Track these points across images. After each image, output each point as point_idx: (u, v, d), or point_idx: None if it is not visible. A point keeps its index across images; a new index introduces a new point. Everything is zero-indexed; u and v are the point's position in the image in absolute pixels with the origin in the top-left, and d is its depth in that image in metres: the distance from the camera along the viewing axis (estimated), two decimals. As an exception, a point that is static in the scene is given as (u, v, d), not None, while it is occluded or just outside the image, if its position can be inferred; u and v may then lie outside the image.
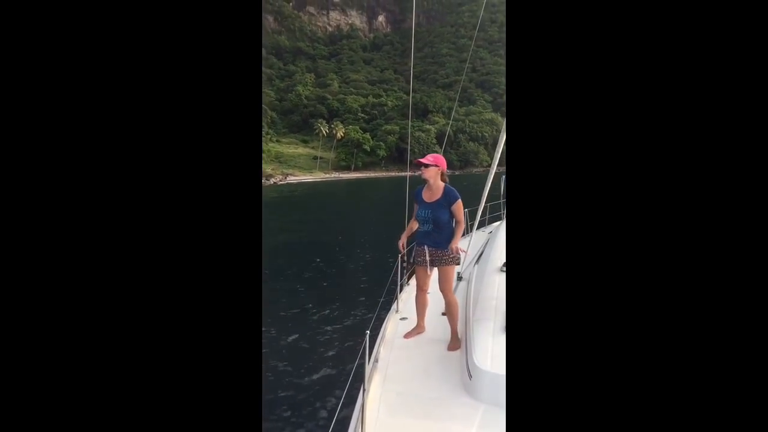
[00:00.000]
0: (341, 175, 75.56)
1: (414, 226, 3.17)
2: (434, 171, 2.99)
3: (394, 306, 3.59)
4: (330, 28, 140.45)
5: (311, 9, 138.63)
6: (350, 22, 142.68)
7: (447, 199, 2.94)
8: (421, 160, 3.00)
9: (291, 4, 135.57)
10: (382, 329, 3.17)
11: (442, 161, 3.04)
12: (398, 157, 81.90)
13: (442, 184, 3.02)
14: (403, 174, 74.98)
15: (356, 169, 79.51)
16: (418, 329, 3.13)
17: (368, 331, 2.17)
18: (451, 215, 2.96)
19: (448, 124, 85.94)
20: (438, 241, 2.97)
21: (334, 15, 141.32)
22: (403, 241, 3.17)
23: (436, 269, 3.02)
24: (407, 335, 3.08)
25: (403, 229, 3.28)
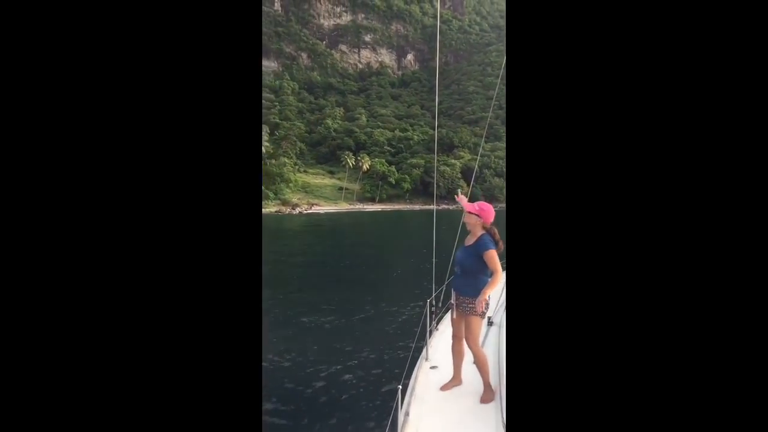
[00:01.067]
0: (365, 207, 76.28)
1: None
2: (474, 220, 3.00)
3: (423, 353, 3.48)
4: (360, 66, 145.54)
5: (343, 47, 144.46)
6: (380, 59, 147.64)
7: (478, 247, 2.93)
8: (467, 205, 3.01)
9: (324, 42, 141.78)
10: (412, 379, 3.08)
11: (486, 213, 3.01)
12: (423, 190, 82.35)
13: (480, 231, 3.01)
14: (427, 207, 75.14)
15: (380, 201, 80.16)
16: (455, 381, 3.02)
17: (399, 386, 2.09)
18: (483, 264, 2.92)
19: (474, 159, 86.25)
20: (463, 288, 2.97)
21: (365, 53, 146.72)
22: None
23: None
24: (444, 387, 2.98)
25: (431, 269, 3.25)
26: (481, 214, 3.00)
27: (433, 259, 3.59)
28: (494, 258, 2.88)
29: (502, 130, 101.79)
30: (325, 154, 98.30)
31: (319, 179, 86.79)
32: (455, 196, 3.18)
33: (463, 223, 3.15)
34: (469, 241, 3.03)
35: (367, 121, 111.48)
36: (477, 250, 2.92)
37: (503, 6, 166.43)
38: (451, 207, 73.01)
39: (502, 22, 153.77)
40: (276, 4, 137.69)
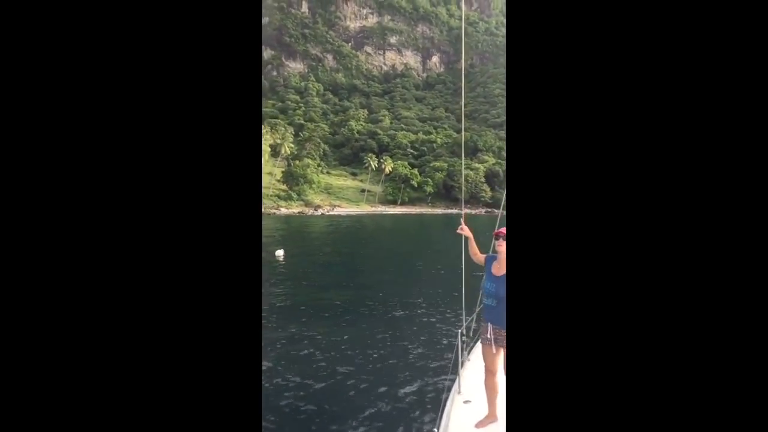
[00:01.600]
0: (387, 209, 76.25)
1: (477, 253, 3.06)
2: (506, 247, 2.85)
3: (455, 386, 3.31)
4: (385, 67, 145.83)
5: (368, 49, 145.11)
6: (405, 61, 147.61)
7: None
8: (501, 231, 2.87)
9: (350, 44, 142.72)
10: (444, 415, 2.91)
11: None
12: (445, 194, 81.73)
13: None
14: (449, 211, 74.53)
15: (402, 204, 80.00)
16: (490, 417, 2.84)
17: (435, 430, 1.96)
18: None
19: (498, 163, 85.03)
20: (500, 320, 2.77)
21: (390, 55, 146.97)
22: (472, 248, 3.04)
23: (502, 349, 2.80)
24: (479, 424, 2.81)
25: (459, 288, 3.08)
26: None
27: (463, 287, 3.36)
28: None
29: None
30: (347, 155, 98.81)
31: (342, 181, 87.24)
32: (459, 229, 3.04)
33: (490, 255, 2.97)
34: (500, 269, 2.83)
35: (391, 123, 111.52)
36: None
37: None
38: (473, 212, 72.16)
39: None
40: (303, 6, 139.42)
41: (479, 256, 3.05)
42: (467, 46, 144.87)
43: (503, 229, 2.87)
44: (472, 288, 3.39)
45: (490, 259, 2.97)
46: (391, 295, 11.55)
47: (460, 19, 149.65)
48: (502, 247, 2.87)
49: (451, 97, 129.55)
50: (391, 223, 49.03)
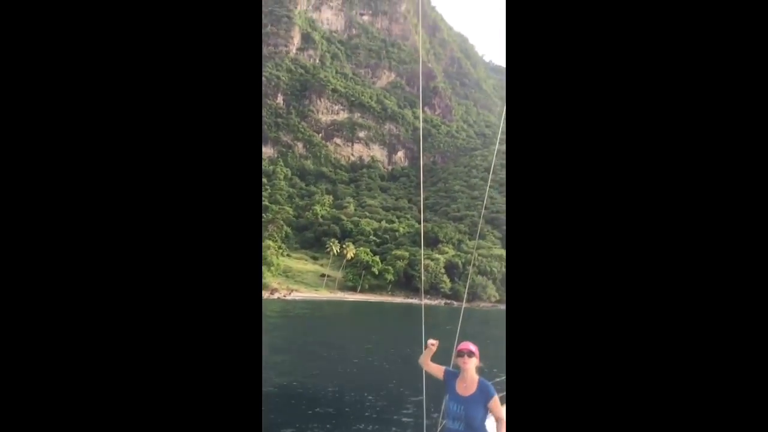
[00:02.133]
0: (346, 296, 74.49)
1: (429, 363, 2.92)
2: (473, 363, 2.79)
3: None
4: (353, 158, 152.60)
5: (338, 140, 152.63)
6: (372, 154, 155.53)
7: (483, 395, 2.67)
8: (469, 347, 2.81)
9: (321, 135, 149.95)
10: None
11: (478, 352, 2.85)
12: (405, 282, 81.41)
13: (477, 377, 2.77)
14: (409, 300, 73.64)
15: (362, 291, 78.64)
16: None
17: None
18: (486, 412, 2.69)
19: (457, 255, 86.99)
20: None
21: (358, 147, 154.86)
22: (426, 361, 2.90)
23: None
24: None
25: (419, 387, 2.91)
26: (477, 354, 2.78)
27: (424, 408, 3.18)
28: (498, 403, 2.59)
29: (486, 229, 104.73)
30: (310, 239, 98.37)
31: (302, 264, 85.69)
32: (428, 343, 2.92)
33: (451, 371, 2.87)
34: (469, 389, 2.71)
35: (355, 210, 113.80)
36: (482, 399, 2.64)
37: (489, 117, 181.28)
38: (433, 302, 71.70)
39: (488, 131, 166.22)
40: (279, 98, 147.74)
41: (432, 367, 2.90)
42: (430, 145, 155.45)
43: (468, 344, 2.79)
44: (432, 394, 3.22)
45: (451, 375, 2.84)
46: (347, 390, 10.80)
47: (425, 121, 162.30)
48: (467, 364, 2.75)
49: (414, 190, 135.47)
50: (349, 311, 47.55)
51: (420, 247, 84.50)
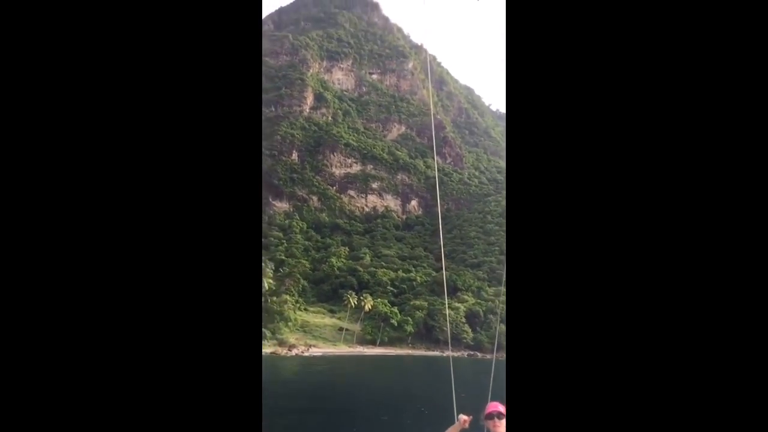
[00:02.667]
0: (365, 350, 72.36)
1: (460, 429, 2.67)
2: (504, 425, 2.54)
3: None
4: (367, 209, 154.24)
5: (352, 192, 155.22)
6: (385, 204, 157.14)
7: None
8: (499, 409, 2.55)
9: (335, 187, 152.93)
10: None
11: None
12: (425, 334, 78.96)
13: None
14: (430, 353, 70.98)
15: (382, 344, 76.35)
16: None
17: None
18: None
19: (478, 303, 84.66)
20: None
21: (372, 198, 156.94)
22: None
23: None
24: None
25: None
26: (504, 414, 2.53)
27: None
28: None
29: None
30: (327, 292, 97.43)
31: (319, 318, 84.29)
32: (460, 418, 2.70)
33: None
34: None
35: (371, 260, 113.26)
36: None
37: (499, 163, 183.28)
38: (456, 354, 68.89)
39: (499, 177, 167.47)
40: (293, 154, 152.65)
41: None
42: (443, 193, 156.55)
43: (497, 405, 2.54)
44: None
45: None
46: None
47: (437, 170, 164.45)
48: (498, 428, 2.50)
49: (430, 238, 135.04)
50: (371, 367, 45.85)
51: (438, 295, 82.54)
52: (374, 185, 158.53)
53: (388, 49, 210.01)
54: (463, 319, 79.12)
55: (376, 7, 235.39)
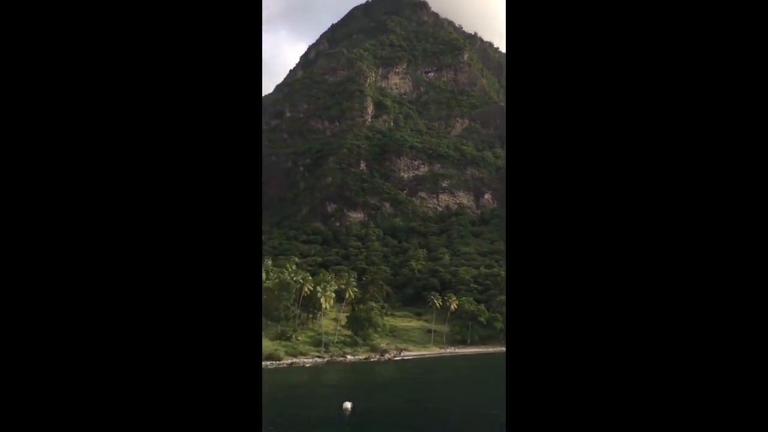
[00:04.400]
0: (457, 350, 71.37)
1: None
2: None
3: None
4: (440, 209, 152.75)
5: (422, 194, 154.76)
6: (458, 201, 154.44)
7: None
8: None
9: (405, 191, 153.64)
10: None
11: None
12: (517, 329, 75.95)
13: None
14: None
15: (473, 343, 74.82)
16: None
17: None
18: None
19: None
20: None
21: (443, 197, 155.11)
22: None
23: None
24: None
25: None
26: None
27: None
28: None
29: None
30: (411, 295, 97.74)
31: (406, 322, 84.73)
32: None
33: None
34: None
35: (451, 259, 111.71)
36: None
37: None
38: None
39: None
40: (361, 165, 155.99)
41: None
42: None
43: None
44: None
45: None
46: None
47: (502, 159, 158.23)
48: None
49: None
50: (465, 368, 44.88)
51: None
52: (444, 184, 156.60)
53: (441, 44, 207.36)
54: (557, 311, 74.93)
55: (424, 5, 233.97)
